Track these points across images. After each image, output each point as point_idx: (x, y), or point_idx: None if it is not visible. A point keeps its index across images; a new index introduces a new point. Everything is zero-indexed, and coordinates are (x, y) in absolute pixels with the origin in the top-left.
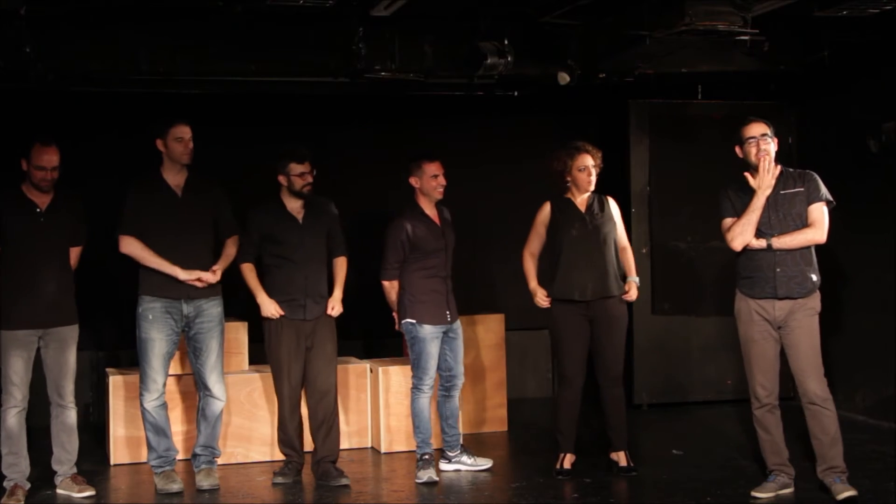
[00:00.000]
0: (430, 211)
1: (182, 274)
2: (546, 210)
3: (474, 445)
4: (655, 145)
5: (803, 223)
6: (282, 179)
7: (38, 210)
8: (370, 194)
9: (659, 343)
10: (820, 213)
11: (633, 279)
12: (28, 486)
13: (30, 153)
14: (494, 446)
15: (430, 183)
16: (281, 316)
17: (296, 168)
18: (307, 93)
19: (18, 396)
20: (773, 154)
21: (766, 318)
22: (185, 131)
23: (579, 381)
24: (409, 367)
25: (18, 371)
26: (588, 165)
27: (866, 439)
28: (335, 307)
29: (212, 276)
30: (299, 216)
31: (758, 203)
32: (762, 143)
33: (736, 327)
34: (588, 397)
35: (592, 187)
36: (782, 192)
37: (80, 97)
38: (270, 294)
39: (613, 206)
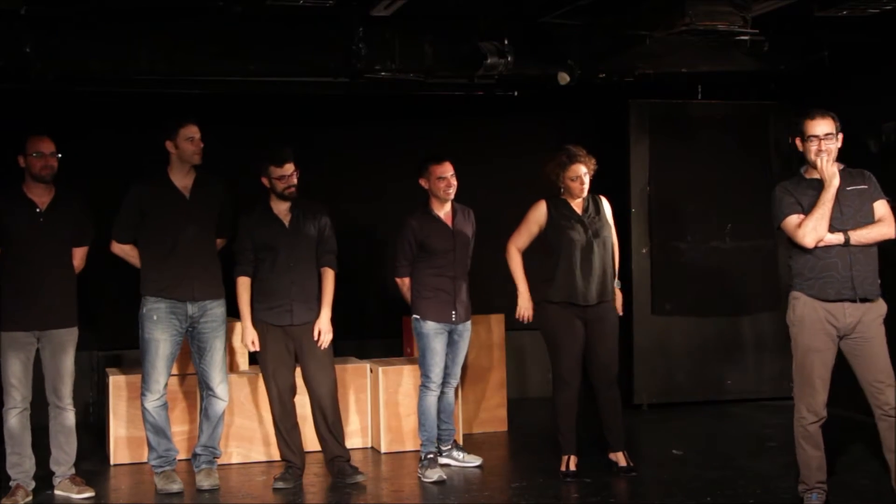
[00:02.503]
0: (440, 211)
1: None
2: (542, 209)
3: (474, 445)
4: (655, 145)
5: (871, 220)
6: (264, 182)
7: (37, 210)
8: (370, 194)
9: (659, 343)
10: (887, 209)
11: (616, 283)
12: (32, 485)
13: (25, 146)
14: (494, 446)
15: (437, 185)
16: (266, 322)
17: (275, 171)
18: (307, 93)
19: (17, 397)
20: (834, 152)
21: (834, 325)
22: (195, 131)
23: (577, 383)
24: (408, 367)
25: (16, 373)
26: (580, 175)
27: (867, 439)
28: (322, 332)
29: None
30: (286, 219)
31: (828, 195)
32: (825, 142)
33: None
34: (585, 397)
35: (585, 194)
36: (848, 188)
37: (81, 97)
38: (257, 297)
39: (607, 207)
